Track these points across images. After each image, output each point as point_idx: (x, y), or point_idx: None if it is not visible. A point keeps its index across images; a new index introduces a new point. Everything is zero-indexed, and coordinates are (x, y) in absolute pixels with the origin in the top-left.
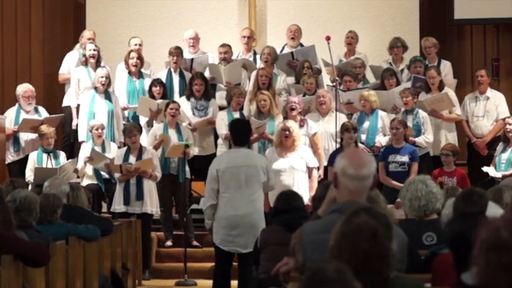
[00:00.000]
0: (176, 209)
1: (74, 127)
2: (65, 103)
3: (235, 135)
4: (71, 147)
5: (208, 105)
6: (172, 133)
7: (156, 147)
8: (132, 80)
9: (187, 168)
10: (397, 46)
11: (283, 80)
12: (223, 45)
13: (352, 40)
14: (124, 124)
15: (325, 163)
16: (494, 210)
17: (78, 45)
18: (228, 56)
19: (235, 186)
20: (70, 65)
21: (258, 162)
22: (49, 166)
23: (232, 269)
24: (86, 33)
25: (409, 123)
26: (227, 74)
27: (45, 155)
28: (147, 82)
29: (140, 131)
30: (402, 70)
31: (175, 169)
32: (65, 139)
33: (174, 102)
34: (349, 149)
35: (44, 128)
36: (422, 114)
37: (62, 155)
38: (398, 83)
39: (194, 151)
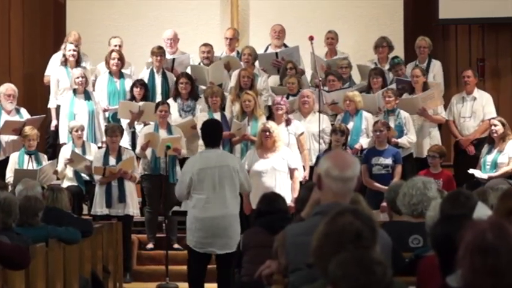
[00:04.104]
0: (162, 210)
1: (52, 128)
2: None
3: (205, 136)
4: (54, 148)
5: (195, 106)
6: (163, 133)
7: (143, 148)
8: (113, 80)
9: (178, 168)
10: (383, 46)
11: (263, 80)
12: (205, 45)
13: (332, 41)
14: (106, 125)
15: (310, 163)
16: (483, 211)
17: (63, 46)
18: (211, 55)
19: (208, 187)
20: (56, 67)
21: (230, 162)
22: (30, 168)
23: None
24: (71, 35)
25: (391, 124)
26: (211, 74)
27: (26, 157)
28: (127, 82)
29: (122, 133)
30: (389, 70)
31: (165, 169)
32: (48, 140)
33: (164, 103)
34: (333, 150)
35: (28, 130)
36: (404, 114)
37: (44, 157)
38: (384, 83)
39: (184, 150)
